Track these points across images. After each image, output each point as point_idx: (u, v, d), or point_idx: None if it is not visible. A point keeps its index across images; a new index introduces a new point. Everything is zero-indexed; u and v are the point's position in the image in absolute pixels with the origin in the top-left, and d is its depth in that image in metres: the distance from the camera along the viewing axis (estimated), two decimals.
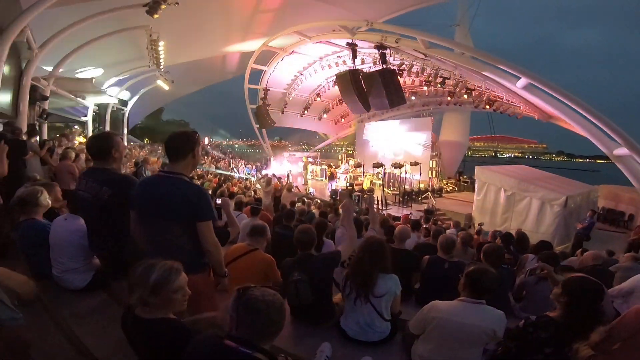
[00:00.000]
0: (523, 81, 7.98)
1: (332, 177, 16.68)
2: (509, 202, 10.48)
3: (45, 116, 9.26)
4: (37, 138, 6.76)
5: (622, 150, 7.20)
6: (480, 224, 9.76)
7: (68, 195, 3.62)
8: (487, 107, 14.47)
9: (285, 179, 16.88)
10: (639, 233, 7.86)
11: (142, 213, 1.98)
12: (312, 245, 2.72)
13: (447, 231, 5.91)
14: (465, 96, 13.90)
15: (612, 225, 12.80)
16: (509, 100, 13.28)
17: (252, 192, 10.98)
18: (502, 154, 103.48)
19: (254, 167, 22.91)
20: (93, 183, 2.23)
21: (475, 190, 11.86)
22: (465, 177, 19.07)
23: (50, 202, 2.87)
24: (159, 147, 21.54)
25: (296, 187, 14.37)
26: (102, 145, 2.29)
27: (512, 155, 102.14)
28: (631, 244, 7.49)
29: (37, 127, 7.91)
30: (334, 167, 18.30)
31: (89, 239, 2.47)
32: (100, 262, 2.68)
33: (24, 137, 5.44)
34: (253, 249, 2.87)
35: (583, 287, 1.95)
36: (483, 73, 9.30)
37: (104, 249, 2.41)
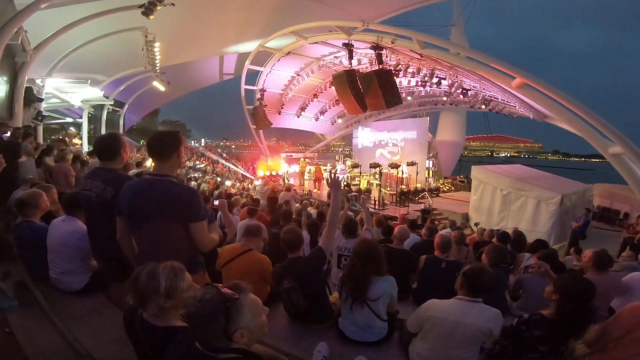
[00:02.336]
0: (518, 81, 8.03)
1: (318, 179, 15.95)
2: (505, 201, 10.51)
3: (40, 118, 9.21)
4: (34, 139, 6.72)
5: (616, 149, 7.26)
6: (477, 224, 9.80)
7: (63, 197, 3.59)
8: (483, 106, 14.55)
9: (283, 181, 16.84)
10: (632, 231, 7.92)
11: (133, 218, 1.94)
12: (298, 245, 2.69)
13: (442, 231, 5.92)
14: (461, 96, 13.96)
15: (607, 223, 12.91)
16: (504, 100, 13.33)
17: (249, 193, 10.97)
18: (498, 154, 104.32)
19: (250, 168, 22.91)
20: (98, 182, 2.21)
21: (472, 189, 11.90)
22: (461, 176, 19.14)
23: (48, 205, 2.86)
24: None
25: (294, 189, 14.33)
26: (111, 146, 2.28)
27: (508, 155, 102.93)
28: (625, 242, 7.56)
29: (33, 129, 7.86)
30: (327, 167, 18.08)
31: (90, 238, 2.43)
32: (98, 263, 2.65)
33: (19, 140, 5.41)
34: (248, 249, 2.79)
35: (574, 285, 1.98)
36: (478, 73, 9.34)
37: (105, 250, 2.37)
